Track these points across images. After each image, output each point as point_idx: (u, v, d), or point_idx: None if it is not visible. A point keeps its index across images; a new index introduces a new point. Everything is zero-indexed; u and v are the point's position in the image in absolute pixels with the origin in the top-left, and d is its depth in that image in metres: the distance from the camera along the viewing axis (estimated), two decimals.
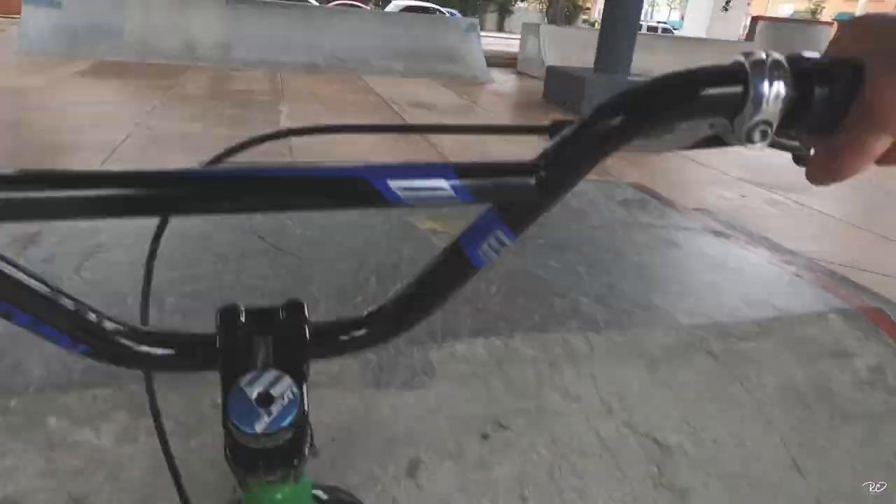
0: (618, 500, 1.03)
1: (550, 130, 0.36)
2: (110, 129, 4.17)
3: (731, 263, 1.91)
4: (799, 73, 0.30)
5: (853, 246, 3.11)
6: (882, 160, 0.32)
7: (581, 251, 1.86)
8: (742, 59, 0.30)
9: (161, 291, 1.44)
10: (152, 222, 0.39)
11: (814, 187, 0.39)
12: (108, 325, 0.34)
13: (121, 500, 0.93)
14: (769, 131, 0.31)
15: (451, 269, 0.37)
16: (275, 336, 0.36)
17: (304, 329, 0.36)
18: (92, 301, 0.33)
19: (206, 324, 0.36)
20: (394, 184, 0.30)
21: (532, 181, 0.32)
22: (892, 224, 3.46)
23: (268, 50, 8.41)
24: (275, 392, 0.33)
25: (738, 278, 1.82)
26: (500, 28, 40.87)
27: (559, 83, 7.00)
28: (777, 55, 0.30)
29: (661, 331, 1.46)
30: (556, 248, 1.86)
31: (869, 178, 4.53)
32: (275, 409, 0.32)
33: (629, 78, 6.59)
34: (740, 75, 0.30)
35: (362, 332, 0.38)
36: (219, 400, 0.33)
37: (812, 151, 0.34)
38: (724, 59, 0.31)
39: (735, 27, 19.82)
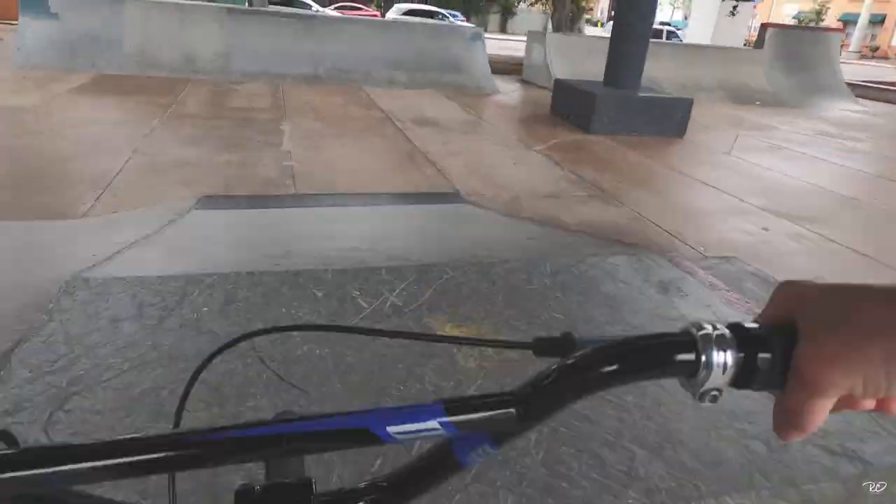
0: None
1: (535, 348, 0.42)
2: (106, 156, 4.02)
3: None
4: (742, 341, 0.34)
5: None
6: (838, 408, 0.34)
7: None
8: (694, 331, 0.35)
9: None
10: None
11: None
12: None
13: None
14: (718, 396, 0.35)
15: (441, 465, 0.41)
16: None
17: None
18: None
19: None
20: (392, 429, 0.35)
21: (513, 412, 0.36)
22: None
23: (269, 61, 8.26)
24: None
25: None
26: (503, 29, 40.70)
27: (567, 97, 6.83)
28: (722, 328, 0.35)
29: None
30: None
31: None
32: None
33: (640, 94, 6.43)
34: (694, 346, 0.34)
35: None
36: None
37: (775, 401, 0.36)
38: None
39: (741, 30, 19.60)
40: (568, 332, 0.41)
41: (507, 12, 40.67)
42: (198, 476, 0.89)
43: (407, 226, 2.59)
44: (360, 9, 32.62)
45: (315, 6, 24.17)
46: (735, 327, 0.35)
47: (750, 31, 25.37)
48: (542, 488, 1.22)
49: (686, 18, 47.75)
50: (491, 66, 9.45)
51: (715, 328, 0.34)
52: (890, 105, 11.44)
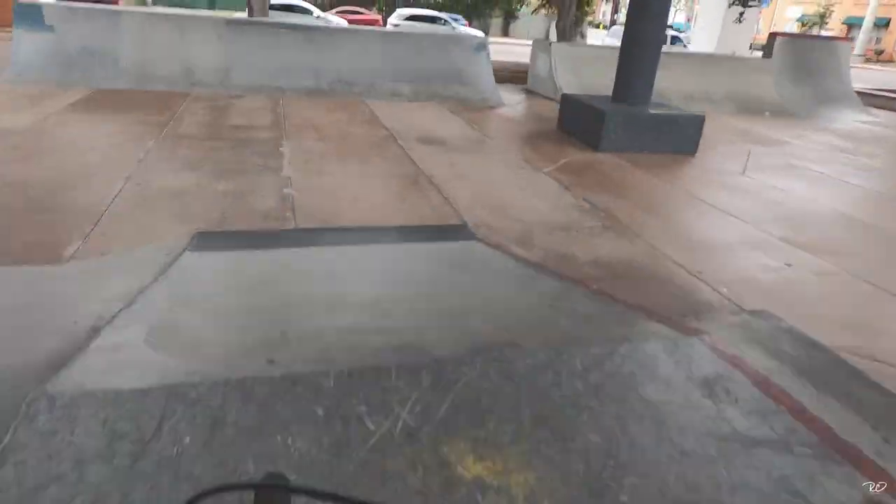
0: None
1: None
2: (98, 185, 3.85)
3: None
4: None
5: None
6: None
7: None
8: None
9: None
10: None
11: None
12: None
13: None
14: None
15: None
16: None
17: None
18: None
19: None
20: None
21: None
22: None
23: (269, 74, 8.09)
24: None
25: None
26: (506, 33, 40.57)
27: (575, 113, 6.65)
28: None
29: None
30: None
31: None
32: None
33: (650, 111, 6.24)
34: None
35: None
36: None
37: None
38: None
39: (746, 35, 19.42)
40: None
41: (510, 16, 40.52)
42: None
43: (415, 281, 2.40)
44: (361, 13, 32.47)
45: (316, 11, 24.03)
46: None
47: (757, 31, 25.20)
48: None
49: (688, 21, 47.56)
50: (494, 73, 9.28)
51: None
52: None
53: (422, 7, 33.68)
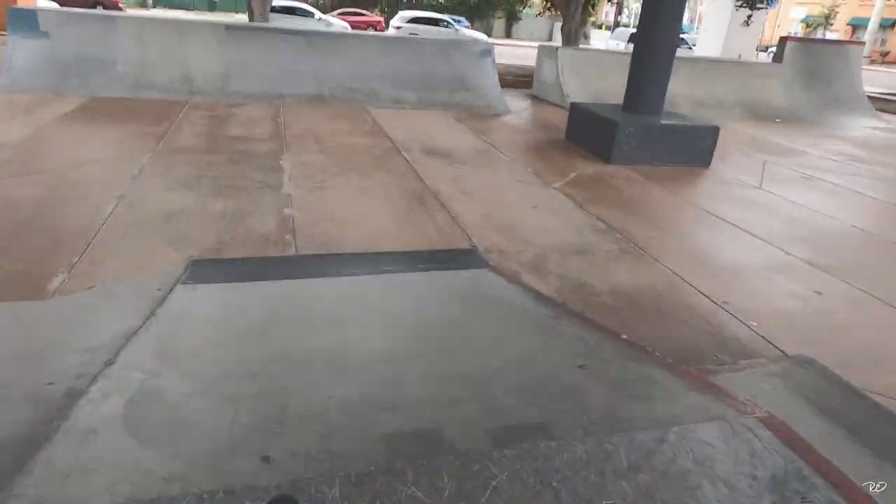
0: None
1: None
2: (89, 206, 3.66)
3: None
4: None
5: None
6: None
7: None
8: None
9: None
10: None
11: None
12: None
13: None
14: None
15: None
16: None
17: None
18: None
19: None
20: None
21: None
22: None
23: (270, 80, 7.90)
24: None
25: None
26: (508, 34, 40.39)
27: (585, 123, 6.45)
28: None
29: None
30: None
31: None
32: None
33: (663, 122, 6.04)
34: None
35: None
36: None
37: None
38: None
39: (753, 38, 19.18)
40: None
41: (512, 18, 40.30)
42: None
43: (426, 326, 2.21)
44: (362, 14, 32.30)
45: (318, 14, 23.86)
46: None
47: (762, 32, 24.97)
48: None
49: (692, 22, 47.28)
50: (499, 77, 9.07)
51: None
52: None
53: (424, 9, 33.51)
